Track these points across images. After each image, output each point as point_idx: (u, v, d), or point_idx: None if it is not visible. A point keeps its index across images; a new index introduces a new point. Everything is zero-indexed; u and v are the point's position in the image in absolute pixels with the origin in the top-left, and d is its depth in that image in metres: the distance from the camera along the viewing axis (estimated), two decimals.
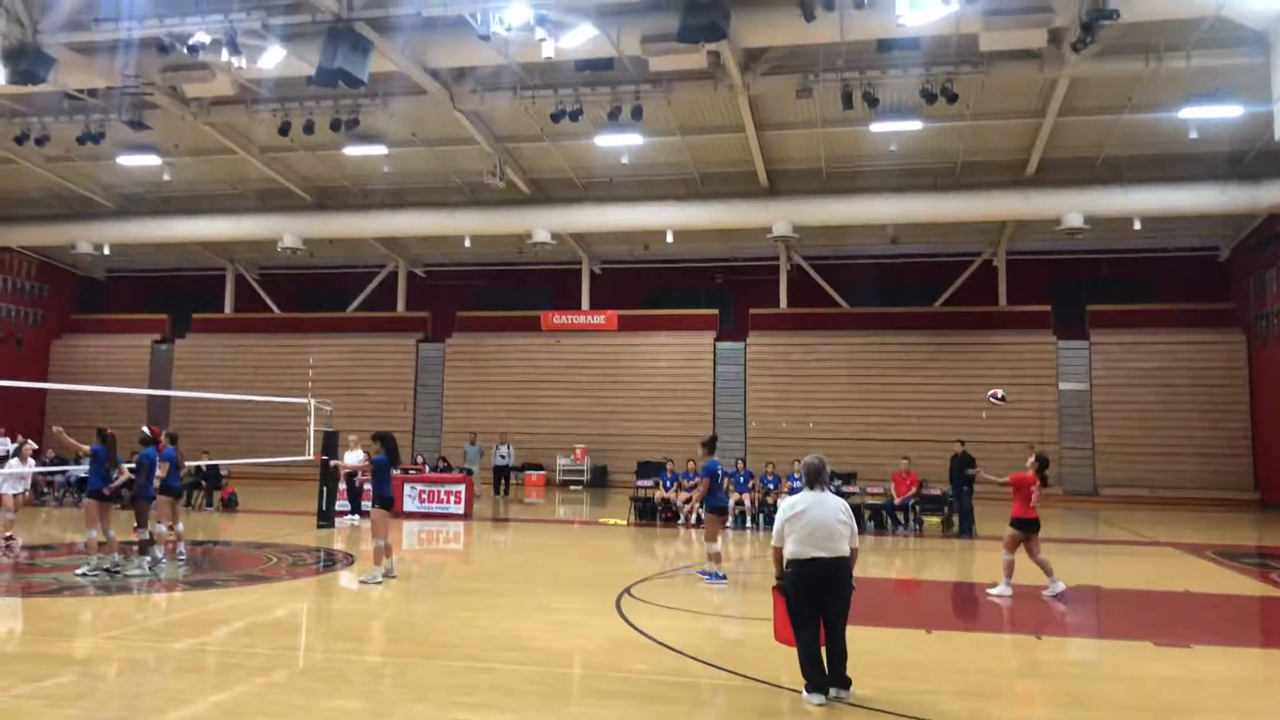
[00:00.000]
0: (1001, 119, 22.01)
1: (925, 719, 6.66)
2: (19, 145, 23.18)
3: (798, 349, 29.34)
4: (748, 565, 15.22)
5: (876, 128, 21.70)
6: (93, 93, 21.42)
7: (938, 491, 19.37)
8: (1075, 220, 23.78)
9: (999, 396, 14.82)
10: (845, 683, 7.00)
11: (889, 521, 18.82)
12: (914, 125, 21.42)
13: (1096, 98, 20.64)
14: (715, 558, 12.50)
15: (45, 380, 32.41)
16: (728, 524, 17.43)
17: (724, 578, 12.36)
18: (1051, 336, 28.39)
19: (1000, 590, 11.49)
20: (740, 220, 26.35)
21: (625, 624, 9.83)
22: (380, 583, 11.90)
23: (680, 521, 19.20)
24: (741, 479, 19.83)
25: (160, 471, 13.36)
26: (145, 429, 13.88)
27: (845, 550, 7.00)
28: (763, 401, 29.19)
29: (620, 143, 23.05)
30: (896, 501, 18.91)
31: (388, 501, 12.52)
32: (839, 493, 7.42)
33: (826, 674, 6.94)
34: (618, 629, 9.66)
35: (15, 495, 14.52)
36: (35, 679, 7.56)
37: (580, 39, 17.07)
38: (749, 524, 19.16)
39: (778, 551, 7.13)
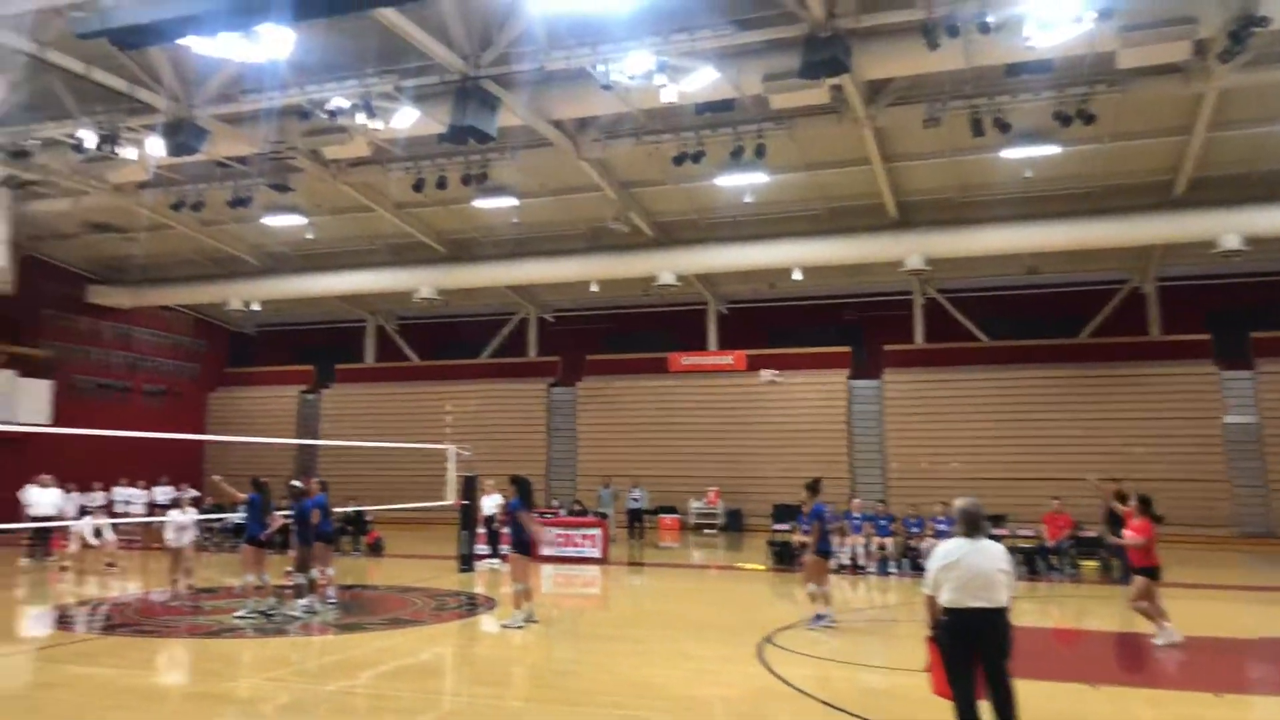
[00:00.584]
0: (1143, 138, 21.00)
1: None
2: (176, 211, 24.65)
3: (936, 385, 28.48)
4: (892, 612, 14.73)
5: (1009, 154, 21.01)
6: (241, 159, 22.62)
7: (1093, 534, 18.34)
8: (1232, 242, 22.39)
9: (770, 378, 14.32)
10: None
11: (1042, 566, 17.92)
12: (1050, 149, 20.65)
13: (1249, 110, 19.49)
14: (823, 599, 12.10)
15: (203, 431, 34.16)
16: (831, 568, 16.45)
17: (825, 618, 11.95)
18: (1212, 367, 26.73)
19: (1167, 638, 10.74)
20: (870, 254, 25.85)
21: (768, 672, 9.59)
22: (521, 627, 11.96)
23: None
24: (883, 522, 19.27)
25: (312, 518, 13.82)
26: (296, 482, 14.39)
27: (1005, 600, 6.63)
28: (902, 441, 28.38)
29: (743, 182, 22.97)
30: (1049, 544, 18.03)
31: (525, 546, 12.62)
32: (992, 538, 7.02)
33: None
34: (760, 677, 9.43)
35: (181, 546, 15.10)
36: (199, 717, 7.84)
37: (701, 82, 17.12)
38: (892, 568, 18.55)
39: (931, 600, 6.79)
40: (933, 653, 6.84)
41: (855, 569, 18.63)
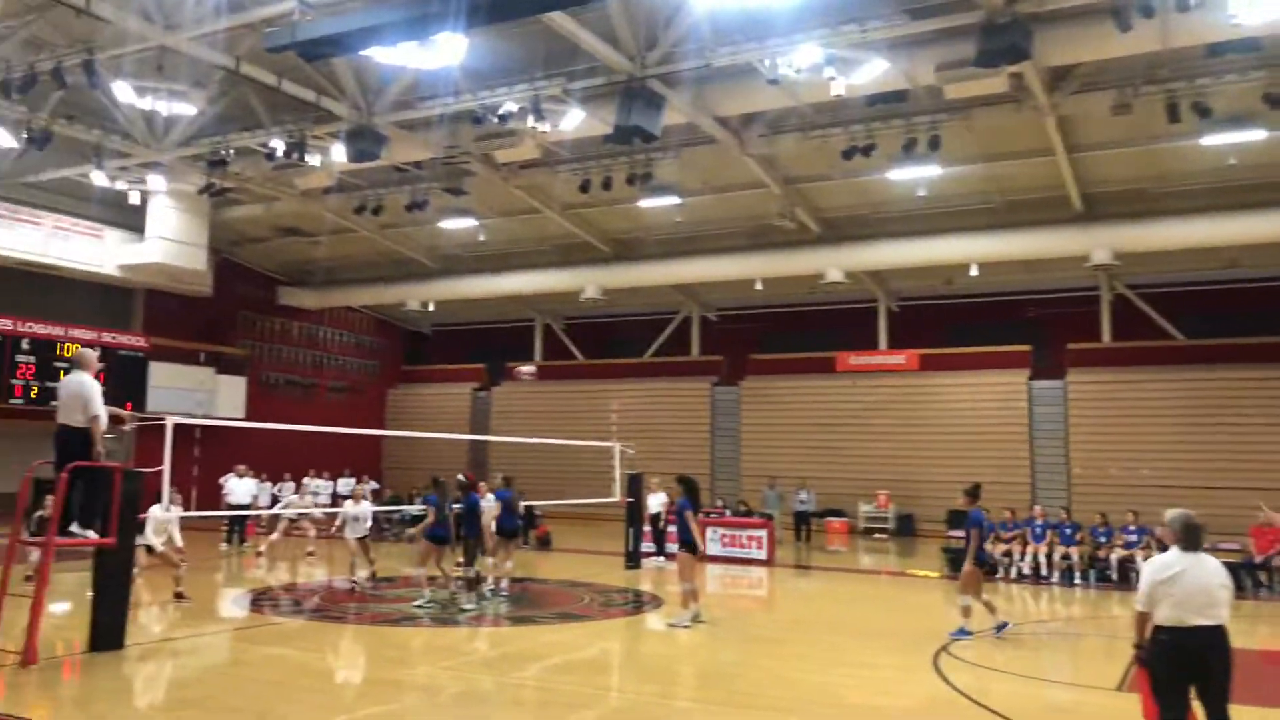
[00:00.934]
0: None
1: None
2: (357, 215, 25.88)
3: (1125, 386, 26.78)
4: (1078, 625, 13.92)
5: (1209, 140, 19.53)
6: (417, 164, 23.51)
7: None
8: None
9: (526, 373, 13.22)
10: None
11: (1249, 582, 16.55)
12: (1256, 135, 19.08)
13: None
14: (966, 612, 11.39)
15: (383, 426, 35.79)
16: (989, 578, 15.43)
17: (971, 634, 11.22)
18: None
19: None
20: (1052, 249, 24.57)
21: (944, 684, 9.18)
22: (688, 626, 11.90)
23: (998, 575, 17.89)
24: (1067, 530, 18.24)
25: (491, 513, 14.15)
26: (461, 476, 14.74)
27: (1226, 618, 6.09)
28: (1087, 445, 26.79)
29: (916, 175, 22.23)
30: (1257, 559, 16.65)
31: (693, 545, 12.54)
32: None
33: None
34: (936, 688, 9.04)
35: (360, 539, 15.60)
36: (382, 701, 8.10)
37: (871, 74, 16.65)
38: (1077, 579, 17.54)
39: (1142, 617, 6.24)
40: (1141, 674, 6.33)
41: (1037, 579, 17.72)
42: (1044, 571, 17.85)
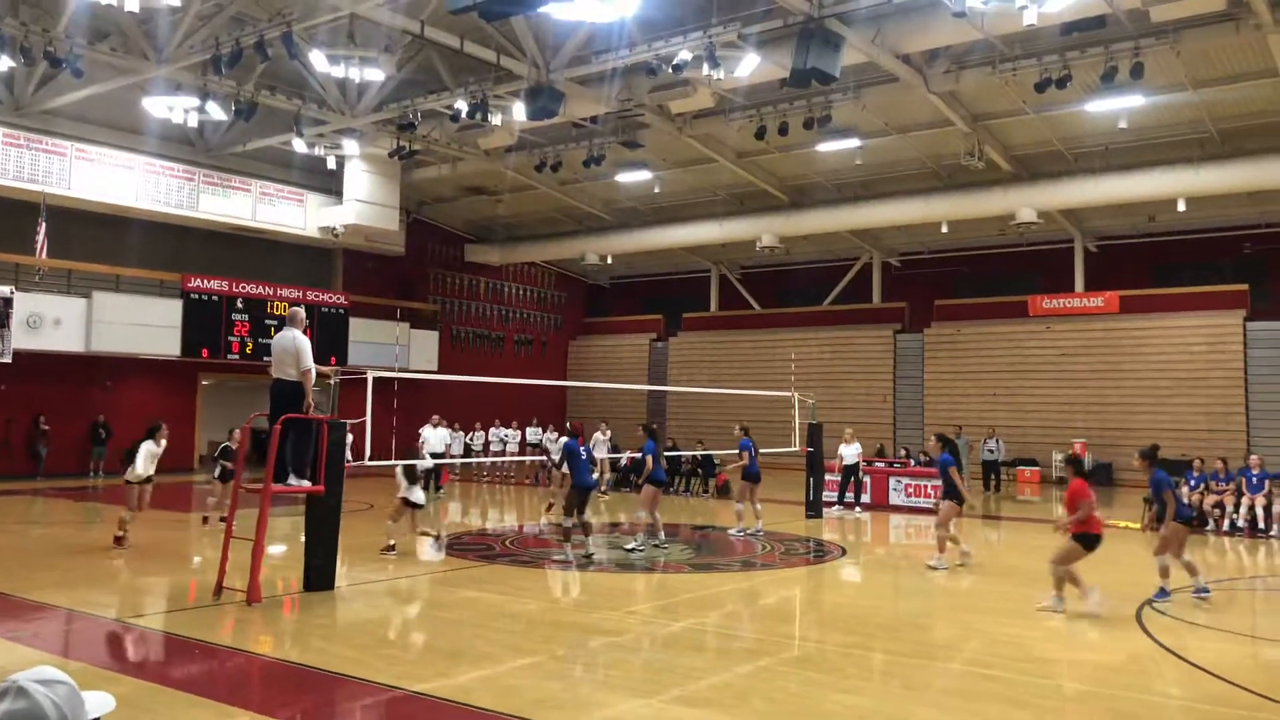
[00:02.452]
0: None
1: None
2: (538, 172, 26.46)
3: None
4: None
5: None
6: (593, 119, 23.79)
7: None
8: None
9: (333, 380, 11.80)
10: None
11: None
12: None
13: None
14: (1164, 573, 10.57)
15: (565, 376, 36.84)
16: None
17: (1169, 594, 10.43)
18: None
19: None
20: (1272, 180, 22.54)
21: (1149, 640, 8.73)
22: (945, 568, 12.38)
23: (1210, 528, 16.82)
24: None
25: (647, 465, 14.30)
26: (569, 424, 14.55)
27: None
28: None
29: (1117, 105, 20.77)
30: None
31: (959, 496, 12.99)
32: None
33: None
34: (1139, 644, 8.61)
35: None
36: (569, 644, 8.42)
37: (1067, 0, 15.61)
38: None
39: None
40: None
41: (1253, 532, 16.57)
42: (1261, 524, 16.66)
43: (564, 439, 13.62)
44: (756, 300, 35.75)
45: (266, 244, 28.57)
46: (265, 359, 11.01)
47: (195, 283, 25.82)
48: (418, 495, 13.31)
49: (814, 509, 18.35)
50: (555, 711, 6.34)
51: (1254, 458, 18.04)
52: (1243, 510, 16.93)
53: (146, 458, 13.23)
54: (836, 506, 19.23)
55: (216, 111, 21.16)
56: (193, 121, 21.87)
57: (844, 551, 14.38)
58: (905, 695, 6.91)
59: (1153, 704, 6.89)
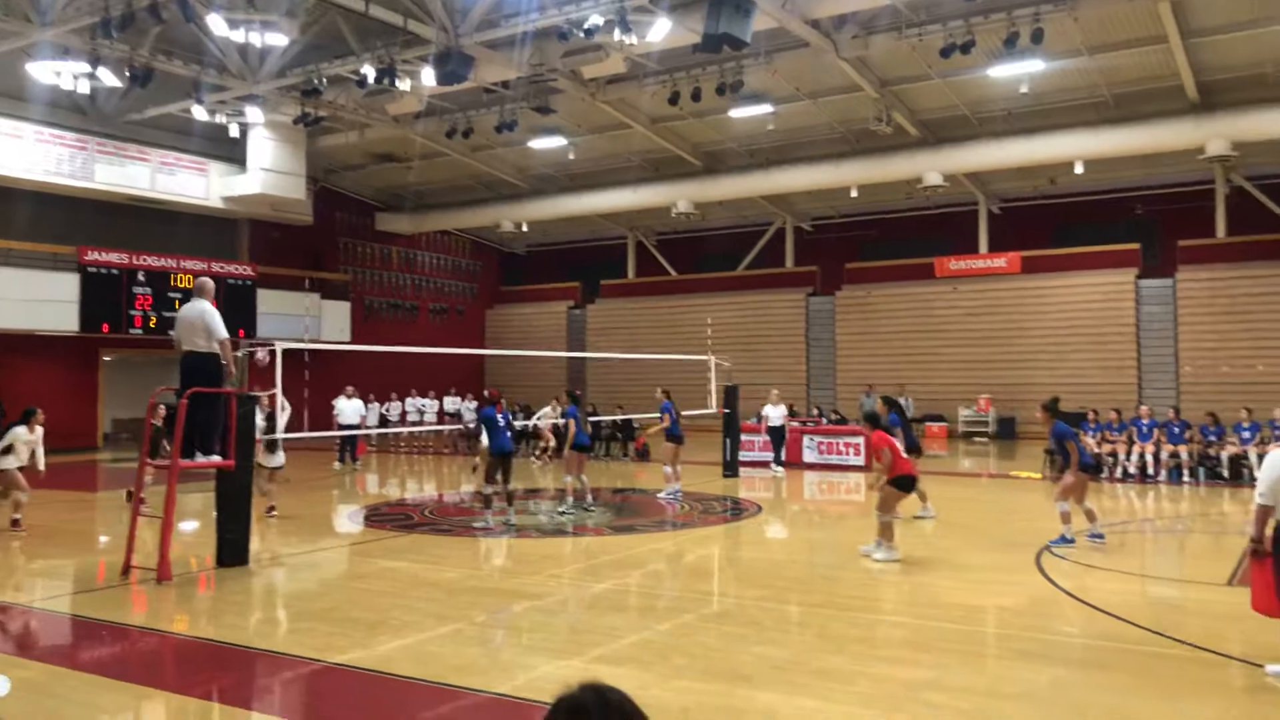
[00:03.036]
0: None
1: None
2: (449, 139, 26.08)
3: (1241, 282, 25.61)
4: (1185, 523, 13.64)
5: None
6: (504, 84, 23.50)
7: None
8: None
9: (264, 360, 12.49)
10: None
11: None
12: None
13: None
14: (1065, 518, 11.11)
15: (482, 345, 36.61)
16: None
17: (1072, 540, 10.94)
18: None
19: None
20: (1164, 142, 23.44)
21: (1048, 583, 9.15)
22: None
23: (1103, 476, 17.61)
24: (1175, 429, 17.79)
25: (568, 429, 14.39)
26: (486, 392, 14.50)
27: None
28: (1198, 343, 25.87)
29: (1019, 70, 21.31)
30: None
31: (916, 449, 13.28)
32: None
33: None
34: (1040, 588, 9.02)
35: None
36: (492, 609, 8.48)
37: None
38: (1186, 477, 17.19)
39: (1264, 511, 6.17)
40: (1257, 568, 6.24)
41: (1144, 478, 17.42)
42: (1151, 470, 17.53)
43: (481, 408, 13.61)
44: (673, 266, 35.92)
45: (167, 215, 27.65)
46: (170, 333, 10.73)
47: (93, 255, 24.92)
48: (267, 459, 13.29)
49: (731, 469, 18.66)
50: (477, 676, 6.40)
51: (1144, 408, 18.92)
52: (1134, 458, 17.77)
53: (19, 444, 12.64)
54: (774, 466, 19.56)
55: (109, 78, 20.34)
56: (84, 88, 21.00)
57: (760, 509, 14.69)
58: (819, 645, 7.14)
59: (1051, 643, 7.24)
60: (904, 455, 10.72)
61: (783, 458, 19.84)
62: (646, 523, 13.41)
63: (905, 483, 10.47)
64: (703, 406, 19.88)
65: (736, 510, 14.78)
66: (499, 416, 12.88)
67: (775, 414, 19.69)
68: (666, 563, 10.81)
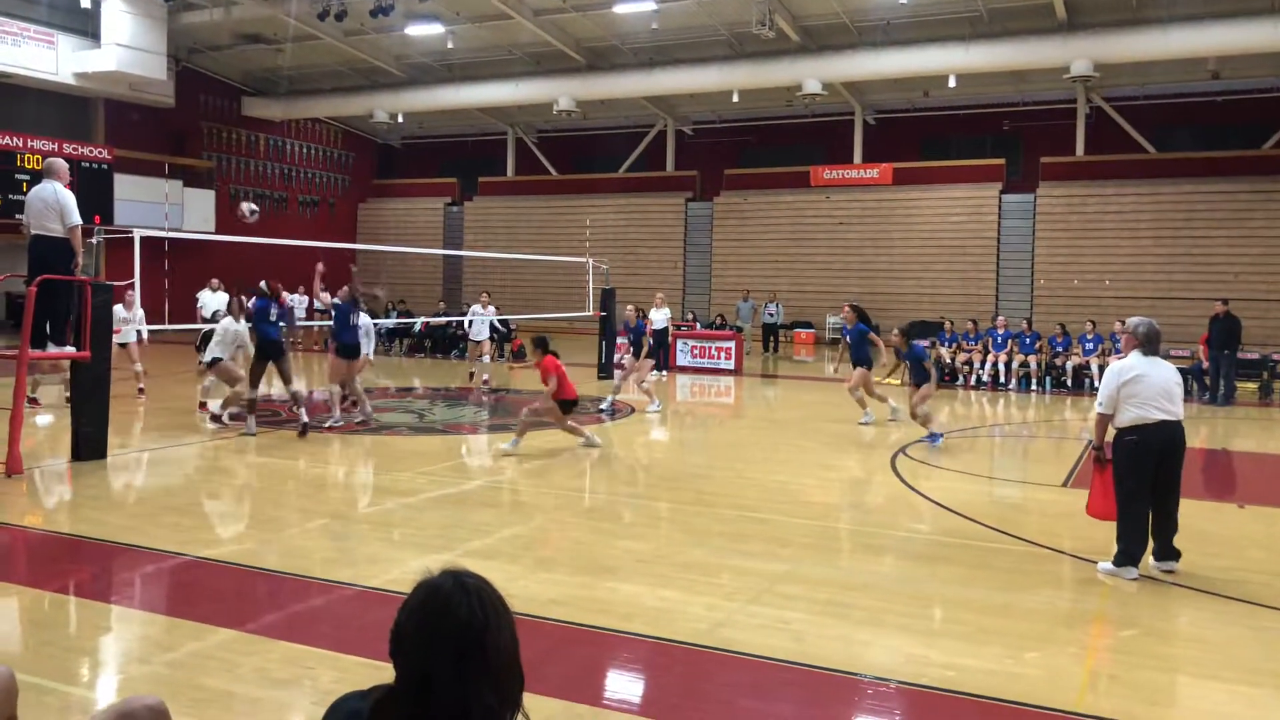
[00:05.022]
0: None
1: (1238, 599, 6.15)
2: (320, 21, 24.86)
3: (1095, 200, 26.90)
4: (1031, 429, 14.55)
5: None
6: None
7: (1255, 356, 17.48)
8: None
9: (248, 213, 13.44)
10: (1176, 555, 6.61)
11: (1195, 388, 17.23)
12: None
13: None
14: (926, 420, 12.05)
15: (355, 241, 35.58)
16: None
17: (940, 436, 11.96)
18: None
19: None
20: (1032, 60, 24.15)
21: (900, 483, 9.69)
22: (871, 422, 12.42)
23: (959, 383, 18.55)
24: (1027, 340, 18.80)
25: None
26: (263, 283, 13.65)
27: (1182, 414, 6.55)
28: (1053, 258, 27.17)
29: None
30: (1205, 366, 17.27)
31: (864, 362, 13.55)
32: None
33: (1150, 548, 6.56)
34: (893, 487, 9.55)
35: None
36: (364, 505, 8.50)
37: None
38: (1034, 386, 18.28)
39: (1103, 419, 6.63)
40: (1098, 474, 6.75)
41: (996, 385, 18.42)
42: (1003, 379, 18.53)
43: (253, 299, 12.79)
44: (554, 166, 35.44)
45: (11, 90, 25.69)
46: (17, 216, 10.11)
47: None
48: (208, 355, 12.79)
49: (605, 370, 18.87)
50: (345, 569, 6.45)
51: (1000, 319, 19.91)
52: (988, 367, 18.75)
53: None
54: (656, 371, 19.77)
55: None
56: None
57: (633, 410, 14.97)
58: (683, 539, 7.43)
59: (901, 538, 7.72)
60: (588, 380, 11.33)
61: (666, 361, 20.10)
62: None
63: (567, 405, 11.33)
64: (580, 309, 19.94)
65: (611, 411, 15.02)
66: (272, 310, 12.45)
67: (659, 317, 19.89)
68: (538, 461, 10.97)
